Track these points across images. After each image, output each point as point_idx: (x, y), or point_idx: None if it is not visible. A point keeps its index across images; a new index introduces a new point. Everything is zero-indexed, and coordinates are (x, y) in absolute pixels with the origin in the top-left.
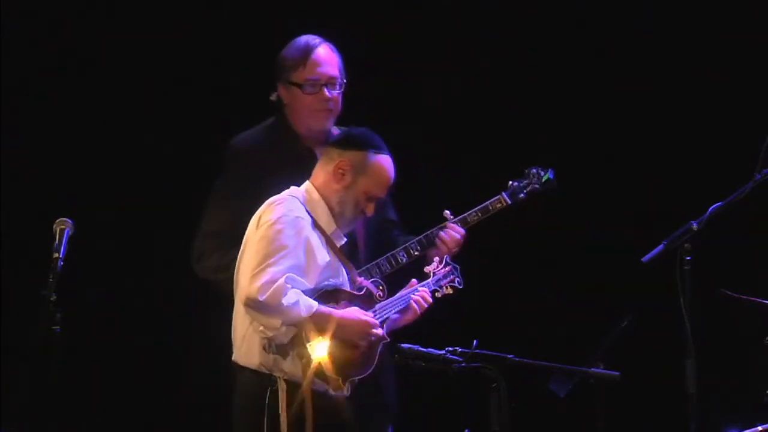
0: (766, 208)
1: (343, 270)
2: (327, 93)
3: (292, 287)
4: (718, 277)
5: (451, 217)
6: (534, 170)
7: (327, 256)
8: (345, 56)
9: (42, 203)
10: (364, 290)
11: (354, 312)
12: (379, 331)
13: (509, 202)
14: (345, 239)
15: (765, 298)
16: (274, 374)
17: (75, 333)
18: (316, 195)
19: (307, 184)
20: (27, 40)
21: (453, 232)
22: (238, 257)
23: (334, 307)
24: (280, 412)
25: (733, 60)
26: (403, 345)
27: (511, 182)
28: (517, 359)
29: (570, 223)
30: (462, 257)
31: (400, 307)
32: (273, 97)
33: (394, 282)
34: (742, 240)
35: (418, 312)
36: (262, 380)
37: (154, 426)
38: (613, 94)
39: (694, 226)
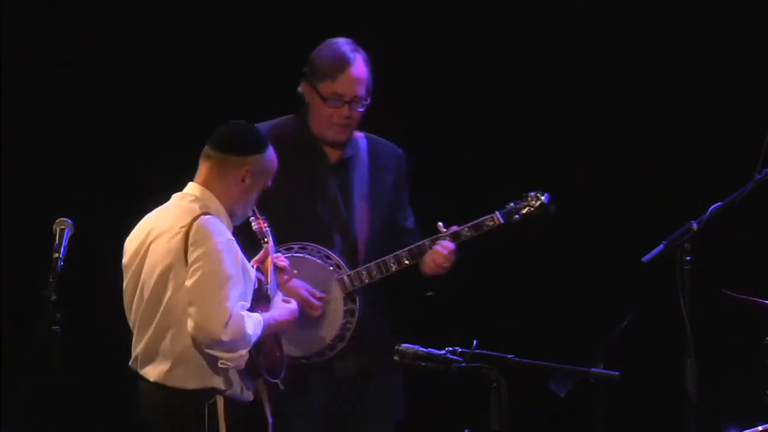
0: (766, 208)
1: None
2: (347, 111)
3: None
4: (718, 277)
5: (444, 229)
6: (532, 194)
7: (249, 266)
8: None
9: (42, 203)
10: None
11: (279, 305)
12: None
13: (501, 221)
14: None
15: (765, 298)
16: (215, 390)
17: (75, 333)
18: (216, 203)
19: (203, 191)
20: (27, 38)
21: (440, 248)
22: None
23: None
24: (219, 421)
25: (733, 59)
26: (403, 345)
27: (509, 203)
28: (517, 359)
29: (570, 223)
30: (462, 257)
31: (273, 276)
32: (300, 89)
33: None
34: (742, 240)
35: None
36: (198, 397)
37: None
38: (613, 94)
39: (694, 226)
